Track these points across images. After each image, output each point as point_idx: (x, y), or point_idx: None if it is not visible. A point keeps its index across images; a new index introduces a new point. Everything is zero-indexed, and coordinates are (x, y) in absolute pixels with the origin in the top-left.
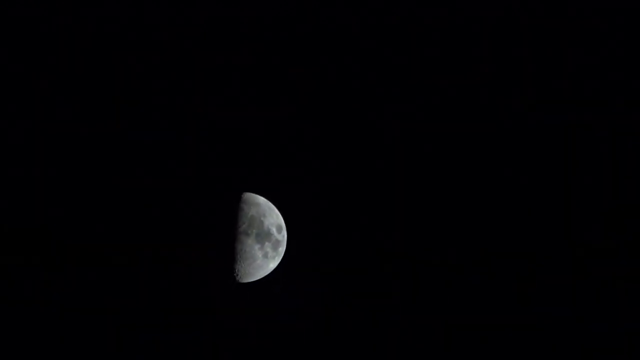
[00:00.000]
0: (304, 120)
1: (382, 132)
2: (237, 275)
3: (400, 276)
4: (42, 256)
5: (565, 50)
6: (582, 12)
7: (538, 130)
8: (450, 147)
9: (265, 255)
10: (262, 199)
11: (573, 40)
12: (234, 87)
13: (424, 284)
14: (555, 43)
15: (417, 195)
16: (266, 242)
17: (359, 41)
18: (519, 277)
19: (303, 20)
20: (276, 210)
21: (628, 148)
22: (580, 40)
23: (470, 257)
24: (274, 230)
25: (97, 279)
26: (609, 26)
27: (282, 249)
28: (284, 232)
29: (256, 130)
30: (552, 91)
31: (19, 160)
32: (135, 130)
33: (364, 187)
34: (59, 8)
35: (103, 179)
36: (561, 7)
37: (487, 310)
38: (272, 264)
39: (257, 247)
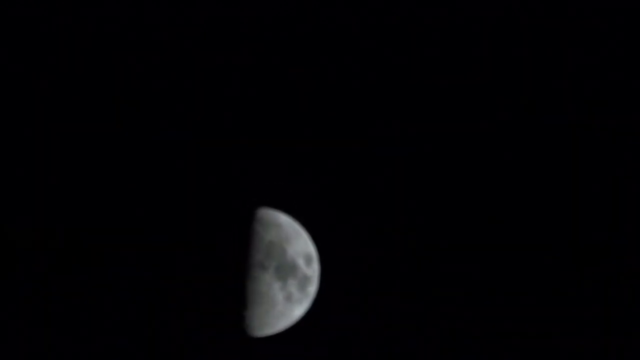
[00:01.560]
0: (304, 121)
1: (381, 132)
2: (248, 326)
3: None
4: (38, 257)
5: (565, 50)
6: (582, 12)
7: (538, 130)
8: (450, 147)
9: (289, 298)
10: (284, 218)
11: (573, 40)
12: (234, 87)
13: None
14: (555, 43)
15: (417, 197)
16: (290, 278)
17: (359, 41)
18: (519, 278)
19: (303, 20)
20: (304, 234)
21: (628, 148)
22: (580, 40)
23: (471, 257)
24: (300, 262)
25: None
26: (609, 26)
27: (313, 289)
28: (315, 265)
29: (258, 132)
30: (552, 91)
31: (19, 161)
32: (135, 131)
33: (364, 188)
34: (59, 8)
35: (102, 179)
36: (561, 7)
37: (490, 309)
38: (299, 311)
39: (277, 285)
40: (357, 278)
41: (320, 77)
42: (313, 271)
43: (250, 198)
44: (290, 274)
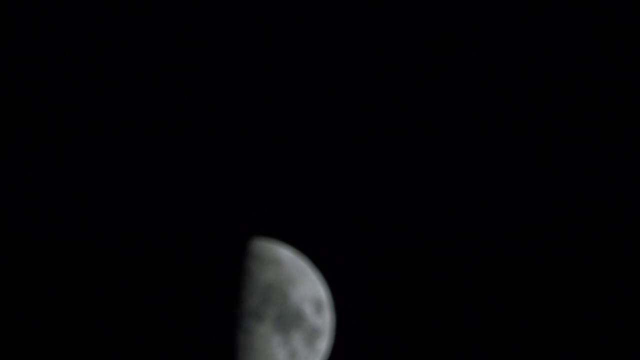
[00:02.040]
0: (305, 122)
1: (381, 132)
2: None
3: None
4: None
5: (565, 50)
6: (582, 12)
7: (538, 130)
8: (450, 147)
9: (293, 356)
10: (286, 253)
11: (573, 40)
12: (233, 87)
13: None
14: (555, 43)
15: (418, 198)
16: (294, 331)
17: (359, 41)
18: (520, 278)
19: (303, 20)
20: (312, 273)
21: (628, 148)
22: (580, 41)
23: (473, 260)
24: (307, 309)
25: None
26: (608, 26)
27: (324, 345)
28: (327, 314)
29: (260, 137)
30: (552, 91)
31: (19, 161)
32: (135, 130)
33: (385, 212)
34: (59, 8)
35: (101, 181)
36: (561, 7)
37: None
38: None
39: (277, 340)
40: (380, 330)
41: (320, 77)
42: (324, 321)
43: (242, 226)
44: (294, 325)
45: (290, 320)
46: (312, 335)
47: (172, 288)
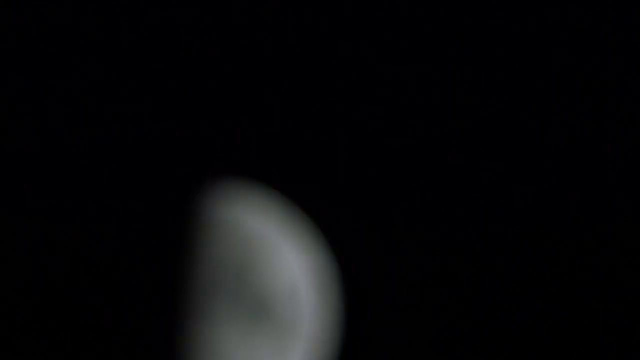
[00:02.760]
0: (303, 123)
1: (382, 132)
2: None
3: None
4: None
5: (564, 50)
6: (581, 12)
7: (537, 130)
8: (450, 147)
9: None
10: (252, 213)
11: (573, 40)
12: (231, 87)
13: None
14: (555, 43)
15: (418, 199)
16: (260, 330)
17: (359, 41)
18: (519, 278)
19: (301, 21)
20: (288, 246)
21: (628, 148)
22: (580, 40)
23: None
24: (281, 296)
25: None
26: (608, 26)
27: (297, 347)
28: (300, 301)
29: (256, 131)
30: (551, 91)
31: (19, 161)
32: (134, 131)
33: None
34: (59, 8)
35: (100, 180)
36: (560, 8)
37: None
38: None
39: (236, 342)
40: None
41: (318, 78)
42: (294, 311)
43: (177, 168)
44: (261, 323)
45: (255, 315)
46: (280, 332)
47: (82, 272)
